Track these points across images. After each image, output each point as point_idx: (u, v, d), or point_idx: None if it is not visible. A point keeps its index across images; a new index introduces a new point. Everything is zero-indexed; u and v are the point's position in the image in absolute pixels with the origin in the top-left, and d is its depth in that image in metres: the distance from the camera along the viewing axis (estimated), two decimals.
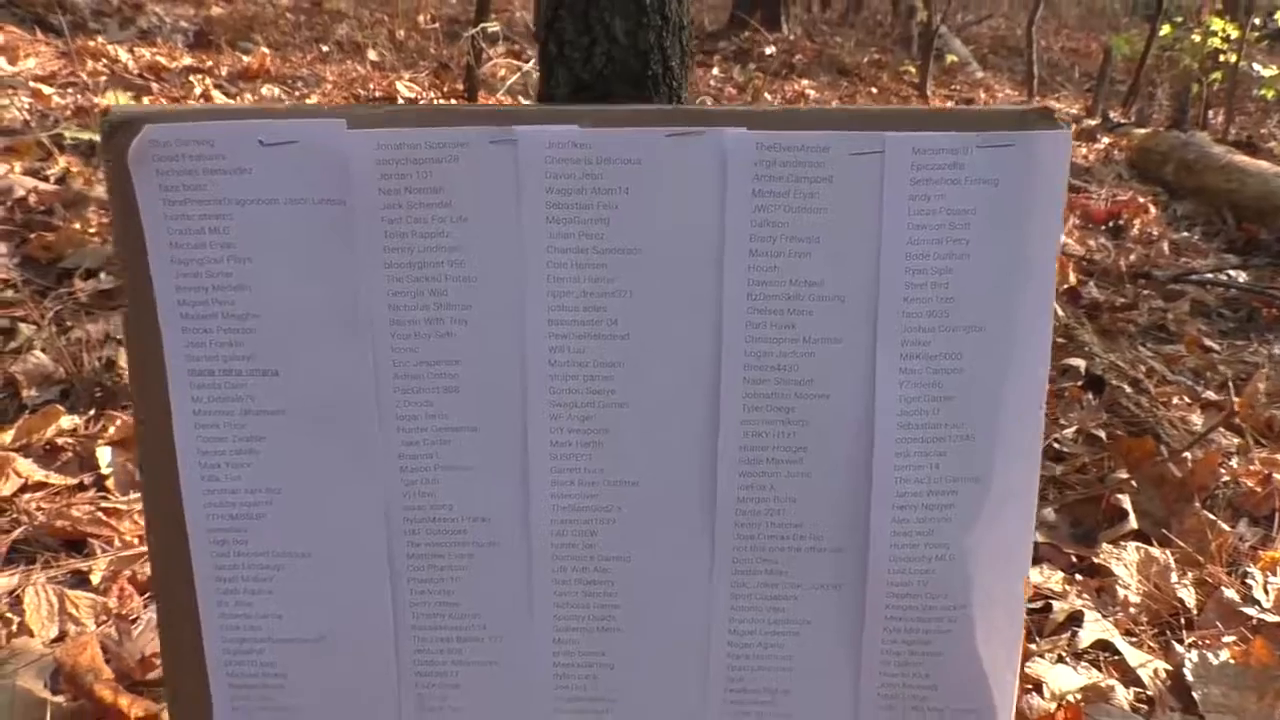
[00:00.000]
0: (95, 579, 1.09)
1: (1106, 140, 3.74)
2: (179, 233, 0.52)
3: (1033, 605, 1.06)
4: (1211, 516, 1.25)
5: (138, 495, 1.23)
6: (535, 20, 0.84)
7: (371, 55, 3.71)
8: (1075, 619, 1.05)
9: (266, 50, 3.46)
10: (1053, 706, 0.89)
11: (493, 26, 2.93)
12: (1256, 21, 4.29)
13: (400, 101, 3.04)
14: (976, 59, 5.76)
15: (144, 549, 1.13)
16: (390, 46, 3.73)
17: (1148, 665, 0.97)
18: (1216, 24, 4.01)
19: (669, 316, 0.53)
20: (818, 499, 0.55)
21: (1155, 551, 1.18)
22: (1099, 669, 0.98)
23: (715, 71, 4.68)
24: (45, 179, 2.10)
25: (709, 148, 0.50)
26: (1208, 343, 2.03)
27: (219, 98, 2.89)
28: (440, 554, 0.56)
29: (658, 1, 0.77)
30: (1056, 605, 1.06)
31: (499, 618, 0.56)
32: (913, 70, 4.93)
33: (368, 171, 0.51)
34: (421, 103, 3.06)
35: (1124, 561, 1.16)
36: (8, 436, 1.30)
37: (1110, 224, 2.72)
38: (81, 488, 1.25)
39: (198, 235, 0.52)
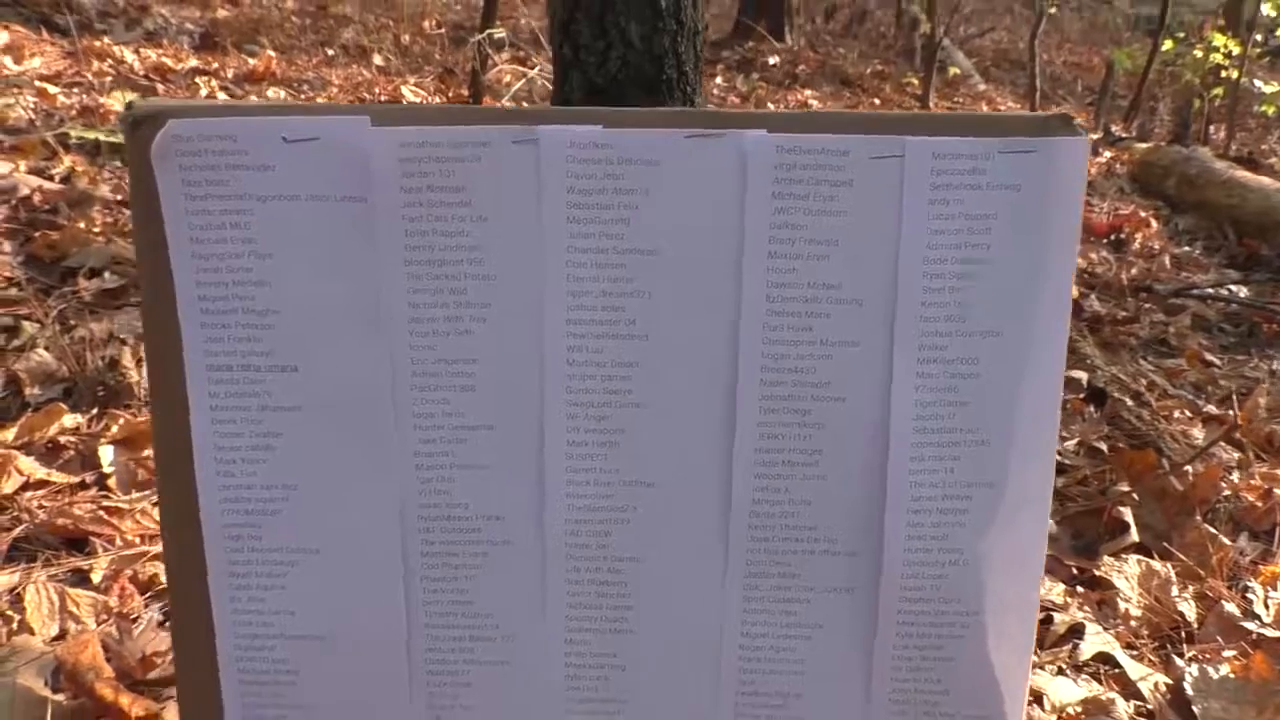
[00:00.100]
0: (96, 578, 1.09)
1: (1108, 154, 3.75)
2: (200, 228, 0.52)
3: None
4: (1212, 530, 1.25)
5: (140, 494, 1.23)
6: (549, 24, 0.84)
7: (377, 60, 3.72)
8: (1076, 631, 1.05)
9: (272, 53, 3.47)
10: (1054, 719, 0.89)
11: (498, 32, 2.94)
12: (1258, 38, 4.31)
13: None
14: (979, 72, 5.78)
15: (145, 548, 1.13)
16: (395, 51, 3.74)
17: (1148, 678, 0.97)
18: (1218, 40, 4.03)
19: (687, 317, 0.53)
20: (832, 502, 0.55)
21: (1156, 565, 1.18)
22: (1099, 682, 0.99)
23: (719, 80, 4.70)
24: (50, 178, 2.10)
25: (729, 150, 0.51)
26: (1209, 357, 2.04)
27: (224, 100, 2.89)
28: (454, 552, 0.56)
29: (673, 6, 0.78)
30: (1058, 617, 1.06)
31: (512, 617, 0.56)
32: (915, 82, 4.95)
33: (390, 169, 0.51)
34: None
35: (1125, 574, 1.17)
36: (10, 434, 1.30)
37: (1112, 238, 2.72)
38: (83, 486, 1.25)
39: (219, 230, 0.52)
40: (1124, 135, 4.17)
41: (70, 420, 1.35)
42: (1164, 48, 4.36)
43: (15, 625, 1.00)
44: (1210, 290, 2.37)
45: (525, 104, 3.10)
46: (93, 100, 2.64)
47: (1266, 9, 4.17)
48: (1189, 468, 1.37)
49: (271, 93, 3.09)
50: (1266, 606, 1.10)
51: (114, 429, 1.33)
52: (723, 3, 6.22)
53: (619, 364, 0.53)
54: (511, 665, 0.57)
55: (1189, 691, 0.94)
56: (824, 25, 6.01)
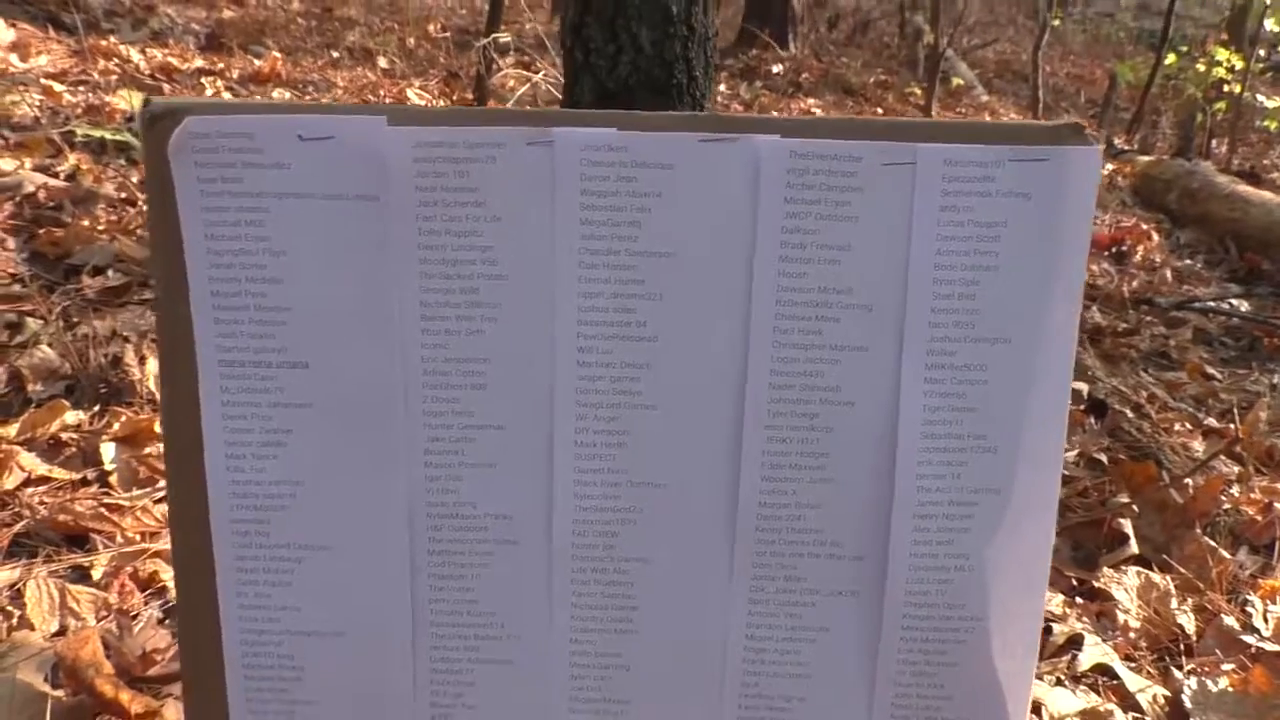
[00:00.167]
0: (96, 574, 1.09)
1: (1110, 167, 3.76)
2: (215, 224, 0.52)
3: None
4: (1212, 543, 1.25)
5: (141, 492, 1.24)
6: (560, 27, 0.84)
7: (382, 62, 3.72)
8: (1075, 642, 1.06)
9: (278, 54, 3.47)
10: None
11: (504, 37, 2.95)
12: (1261, 53, 4.32)
13: None
14: (982, 83, 5.79)
15: (146, 545, 1.13)
16: (400, 54, 3.75)
17: (1147, 690, 0.98)
18: (1221, 54, 4.05)
19: (698, 320, 0.53)
20: (839, 506, 0.55)
21: (1156, 577, 1.18)
22: (1098, 693, 0.99)
23: (722, 88, 4.71)
24: (55, 175, 2.10)
25: (743, 154, 0.51)
26: (1209, 370, 2.04)
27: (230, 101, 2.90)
28: (461, 551, 0.56)
29: (684, 12, 0.78)
30: (1056, 628, 1.06)
31: (517, 616, 0.57)
32: (918, 92, 4.96)
33: (405, 169, 0.51)
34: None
35: (1124, 586, 1.17)
36: (12, 430, 1.30)
37: (1113, 250, 2.73)
38: (84, 483, 1.26)
39: (233, 227, 0.52)
40: (1126, 148, 4.18)
41: (72, 417, 1.35)
42: (1167, 61, 4.37)
43: (15, 621, 1.00)
44: (1211, 304, 2.38)
45: (529, 109, 3.10)
46: (98, 99, 2.64)
47: (1269, 24, 4.18)
48: (1189, 480, 1.37)
49: (276, 94, 3.10)
50: (1266, 620, 1.11)
51: (116, 426, 1.34)
52: (726, 11, 6.24)
53: (629, 365, 0.53)
54: (516, 664, 0.57)
55: (1187, 704, 0.94)
56: (827, 34, 6.02)
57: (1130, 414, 1.66)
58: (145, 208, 1.99)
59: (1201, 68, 4.13)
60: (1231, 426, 1.66)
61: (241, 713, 0.57)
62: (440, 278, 0.53)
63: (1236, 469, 1.51)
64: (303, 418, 0.54)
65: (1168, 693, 0.97)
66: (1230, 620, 1.09)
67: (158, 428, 1.32)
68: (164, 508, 1.20)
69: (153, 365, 1.48)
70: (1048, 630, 1.05)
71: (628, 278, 0.52)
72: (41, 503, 1.18)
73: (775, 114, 4.18)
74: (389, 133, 0.51)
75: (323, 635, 0.56)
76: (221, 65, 3.32)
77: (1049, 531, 0.55)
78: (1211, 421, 1.73)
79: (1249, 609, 1.13)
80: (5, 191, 1.95)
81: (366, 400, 0.54)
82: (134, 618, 1.02)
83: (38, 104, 2.48)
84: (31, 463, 1.24)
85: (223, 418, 0.54)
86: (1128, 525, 1.28)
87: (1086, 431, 1.57)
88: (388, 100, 3.17)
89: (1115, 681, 0.99)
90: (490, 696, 0.58)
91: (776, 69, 5.03)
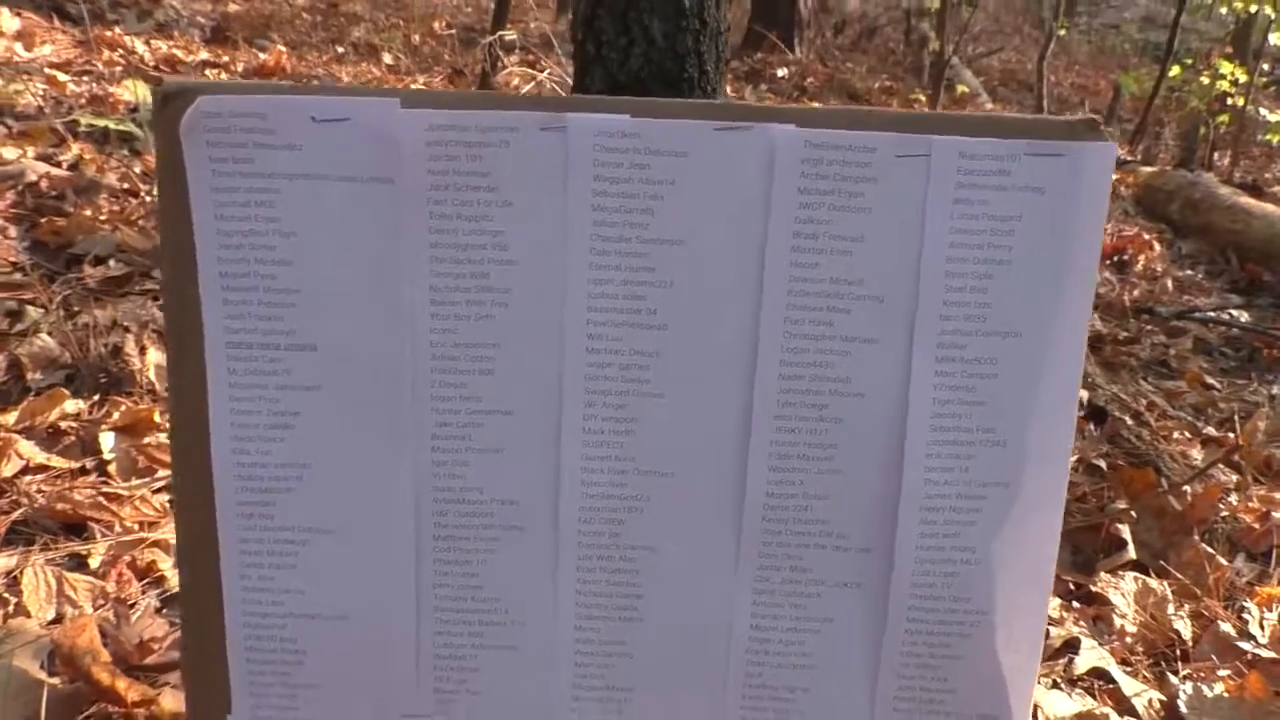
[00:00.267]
0: (94, 563, 1.09)
1: (1114, 176, 3.76)
2: (225, 205, 0.52)
3: None
4: (1210, 550, 1.25)
5: (139, 481, 1.23)
6: (572, 19, 0.84)
7: (386, 58, 3.72)
8: (1072, 645, 1.06)
9: (283, 48, 3.47)
10: None
11: (509, 35, 2.95)
12: (1265, 67, 4.33)
13: None
14: (986, 91, 5.80)
15: (144, 535, 1.12)
16: (405, 50, 3.75)
17: (1143, 695, 0.98)
18: (1226, 67, 4.05)
19: (708, 309, 0.53)
20: (846, 497, 0.55)
21: (1153, 582, 1.19)
22: (1094, 696, 0.99)
23: (727, 90, 4.71)
24: (58, 165, 2.10)
25: (757, 143, 0.51)
26: (1209, 380, 2.05)
27: None
28: (466, 536, 0.56)
29: (696, 5, 0.78)
30: (1053, 631, 1.06)
31: (522, 603, 0.56)
32: (923, 99, 4.97)
33: (417, 152, 0.51)
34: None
35: (1122, 591, 1.17)
36: (11, 418, 1.30)
37: (1115, 259, 2.73)
38: (83, 472, 1.25)
39: (244, 208, 0.52)
40: (1129, 158, 4.19)
41: (71, 406, 1.35)
42: (1171, 73, 4.38)
43: (12, 608, 1.00)
44: (1212, 314, 2.38)
45: None
46: (102, 90, 2.64)
47: (1274, 38, 4.19)
48: (1187, 488, 1.37)
49: None
50: (1262, 627, 1.11)
51: (115, 416, 1.33)
52: (733, 14, 6.22)
53: (638, 353, 0.53)
54: (520, 651, 0.57)
55: (1183, 709, 0.94)
56: (833, 39, 6.02)
57: (1130, 421, 1.67)
58: (148, 198, 1.99)
59: (1205, 80, 4.14)
60: (1230, 435, 1.67)
61: (243, 695, 0.57)
62: (451, 262, 0.53)
63: (1235, 477, 1.51)
64: (310, 400, 0.54)
65: (1163, 697, 0.97)
66: (1227, 626, 1.09)
67: (157, 418, 1.31)
68: (163, 498, 1.20)
69: (153, 355, 1.48)
70: (1045, 633, 1.05)
71: (639, 265, 0.52)
72: (40, 491, 1.17)
73: None
74: (402, 115, 0.51)
75: (326, 619, 0.56)
76: (226, 58, 3.31)
77: (1055, 527, 0.55)
78: (1210, 430, 1.73)
79: (1245, 616, 1.13)
80: (8, 180, 1.95)
81: (374, 384, 0.54)
82: (131, 606, 1.02)
83: (41, 93, 2.48)
84: (30, 451, 1.24)
85: (230, 399, 0.54)
86: (1126, 531, 1.28)
87: (1086, 438, 1.57)
88: None
89: (1111, 685, 1.00)
90: (494, 682, 0.57)
91: (782, 73, 5.03)
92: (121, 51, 3.08)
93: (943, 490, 0.54)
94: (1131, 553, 1.25)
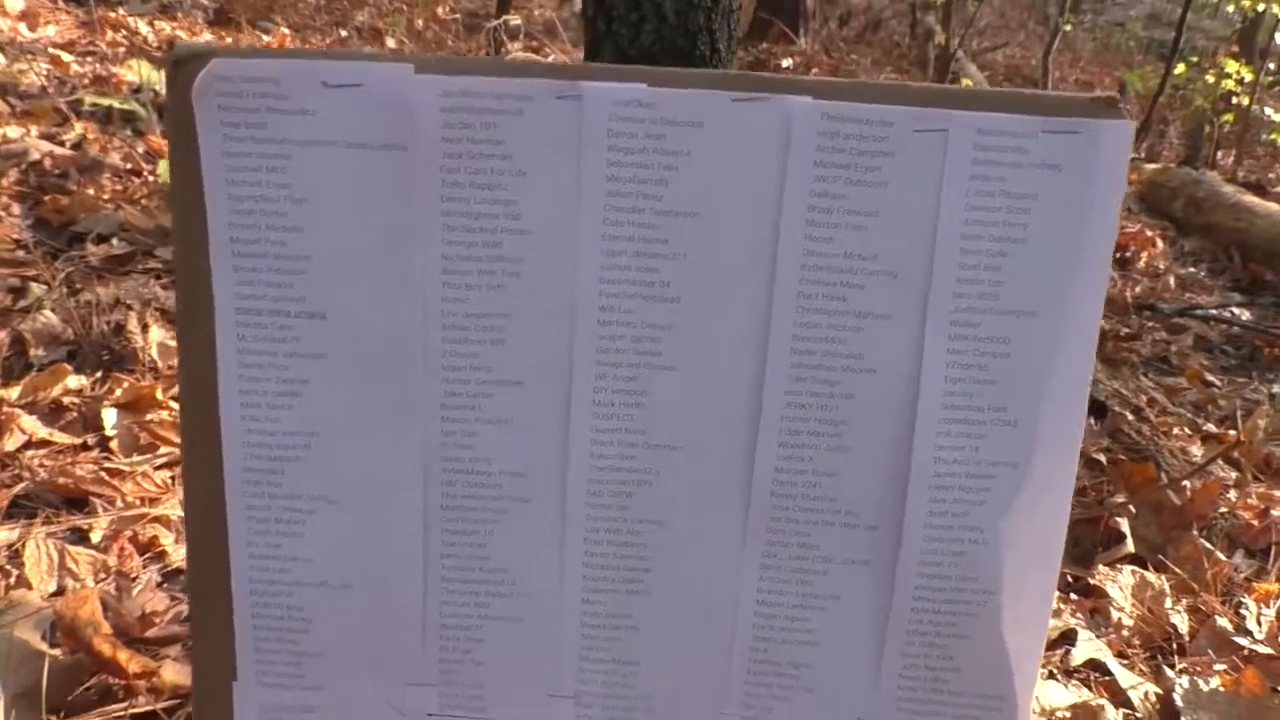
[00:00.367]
0: (95, 537, 1.09)
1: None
2: (236, 170, 0.52)
3: None
4: (1208, 546, 1.26)
5: (141, 457, 1.23)
6: None
7: (390, 43, 3.71)
8: (1068, 637, 1.06)
9: (286, 31, 3.47)
10: None
11: (513, 20, 2.94)
12: (1271, 66, 4.32)
13: None
14: (991, 85, 5.79)
15: (145, 510, 1.12)
16: (409, 35, 3.74)
17: (1138, 687, 0.98)
18: (1231, 66, 4.05)
19: (721, 282, 0.53)
20: (856, 474, 0.55)
21: (1151, 576, 1.19)
22: (1089, 688, 0.99)
23: None
24: (61, 144, 2.10)
25: (774, 114, 0.50)
26: (1209, 377, 2.05)
27: None
28: (474, 507, 0.55)
29: None
30: (1051, 622, 1.06)
31: (528, 574, 0.56)
32: None
33: (431, 119, 0.51)
34: None
35: (1119, 584, 1.17)
36: (14, 393, 1.30)
37: (1118, 255, 2.73)
38: (85, 447, 1.25)
39: (255, 174, 0.52)
40: (1133, 155, 4.18)
41: (74, 382, 1.35)
42: (1177, 71, 4.37)
43: (13, 580, 1.00)
44: (1213, 312, 2.38)
45: None
46: (105, 70, 2.64)
47: None
48: (1187, 483, 1.37)
49: None
50: (1259, 624, 1.11)
51: (118, 392, 1.33)
52: (740, 2, 6.18)
53: (650, 325, 0.53)
54: (526, 622, 0.57)
55: (1178, 703, 0.95)
56: (838, 31, 6.00)
57: (1130, 417, 1.67)
58: (151, 178, 1.99)
59: (1211, 79, 4.13)
60: (1230, 433, 1.67)
61: (249, 662, 0.57)
62: (463, 230, 0.52)
63: (1234, 474, 1.52)
64: (319, 368, 0.54)
65: (1159, 690, 0.97)
66: (1224, 622, 1.09)
67: (159, 395, 1.31)
68: (165, 474, 1.20)
69: (156, 334, 1.48)
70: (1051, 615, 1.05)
71: (652, 236, 0.52)
72: (42, 465, 1.17)
73: None
74: (417, 81, 0.50)
75: (332, 587, 0.56)
76: (230, 40, 3.30)
77: (1064, 509, 0.55)
78: (1210, 427, 1.74)
79: (1243, 611, 1.13)
80: (11, 158, 1.95)
81: (384, 353, 0.54)
82: (133, 580, 1.02)
83: (45, 73, 2.47)
84: (33, 425, 1.24)
85: (239, 366, 0.54)
86: (1125, 524, 1.28)
87: (1086, 432, 1.58)
88: None
89: (1107, 677, 1.00)
90: (499, 653, 0.57)
91: (786, 63, 5.02)
92: (125, 32, 3.07)
93: (952, 469, 0.54)
94: (1130, 546, 1.25)
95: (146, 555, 1.06)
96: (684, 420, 0.54)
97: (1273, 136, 4.45)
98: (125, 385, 1.34)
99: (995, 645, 0.56)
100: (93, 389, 1.34)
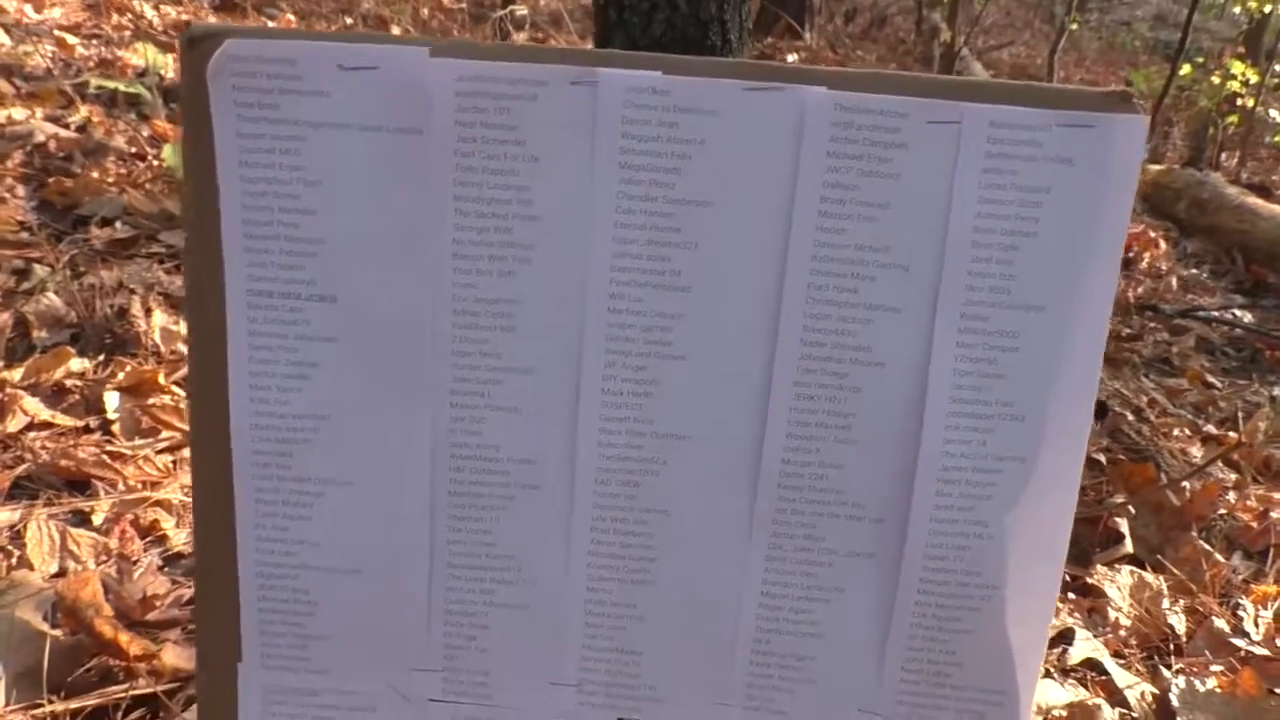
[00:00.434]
0: (97, 519, 1.09)
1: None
2: (250, 151, 0.52)
3: None
4: (1207, 547, 1.26)
5: (143, 441, 1.23)
6: None
7: (395, 31, 3.70)
8: (1065, 636, 1.06)
9: (291, 17, 3.46)
10: None
11: (520, 10, 2.93)
12: (1277, 68, 4.32)
13: None
14: None
15: (147, 494, 1.13)
16: (414, 24, 3.73)
17: (1135, 687, 0.98)
18: (1237, 68, 4.04)
19: (732, 272, 0.52)
20: (863, 467, 0.55)
21: (1149, 577, 1.19)
22: (1086, 687, 0.99)
23: None
24: (66, 126, 2.09)
25: (789, 104, 0.50)
26: (1210, 379, 2.05)
27: None
28: (481, 493, 0.56)
29: None
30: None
31: (534, 562, 0.56)
32: None
33: (446, 103, 0.51)
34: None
35: (1117, 584, 1.18)
36: (17, 374, 1.30)
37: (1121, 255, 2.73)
38: (87, 430, 1.25)
39: (268, 155, 0.52)
40: None
41: (77, 364, 1.35)
42: (1182, 72, 4.37)
43: (15, 560, 1.00)
44: (1215, 313, 2.39)
45: None
46: (110, 53, 2.63)
47: None
48: (1186, 484, 1.38)
49: None
50: (1257, 625, 1.11)
51: (120, 376, 1.33)
52: None
53: (661, 314, 0.53)
54: (531, 609, 0.57)
55: (1175, 703, 0.95)
56: (844, 27, 6.00)
57: (1130, 417, 1.67)
58: (155, 162, 1.98)
59: (1216, 80, 4.13)
60: (1231, 434, 1.67)
61: (254, 645, 0.57)
62: (475, 215, 0.52)
63: (1234, 476, 1.52)
64: (329, 352, 0.54)
65: (1156, 691, 0.98)
66: (1221, 623, 1.09)
67: (162, 379, 1.31)
68: (167, 458, 1.20)
69: (159, 318, 1.48)
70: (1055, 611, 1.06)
71: (664, 225, 0.52)
72: (44, 447, 1.17)
73: None
74: (432, 64, 0.50)
75: (339, 571, 0.56)
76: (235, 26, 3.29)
77: (1070, 505, 0.55)
78: (1210, 428, 1.74)
79: (1240, 613, 1.13)
80: (16, 140, 1.94)
81: (394, 337, 0.54)
82: (134, 563, 1.02)
83: (50, 55, 2.47)
84: (35, 407, 1.24)
85: (249, 348, 0.54)
86: (1124, 524, 1.28)
87: None
88: None
89: (1104, 677, 1.00)
90: (503, 640, 0.57)
91: (792, 58, 5.01)
92: (130, 16, 3.07)
93: (959, 463, 0.54)
94: (1129, 546, 1.26)
95: (148, 539, 1.06)
96: (692, 410, 0.54)
97: (1277, 139, 4.44)
98: (128, 369, 1.34)
99: (998, 640, 0.56)
100: (95, 372, 1.34)
